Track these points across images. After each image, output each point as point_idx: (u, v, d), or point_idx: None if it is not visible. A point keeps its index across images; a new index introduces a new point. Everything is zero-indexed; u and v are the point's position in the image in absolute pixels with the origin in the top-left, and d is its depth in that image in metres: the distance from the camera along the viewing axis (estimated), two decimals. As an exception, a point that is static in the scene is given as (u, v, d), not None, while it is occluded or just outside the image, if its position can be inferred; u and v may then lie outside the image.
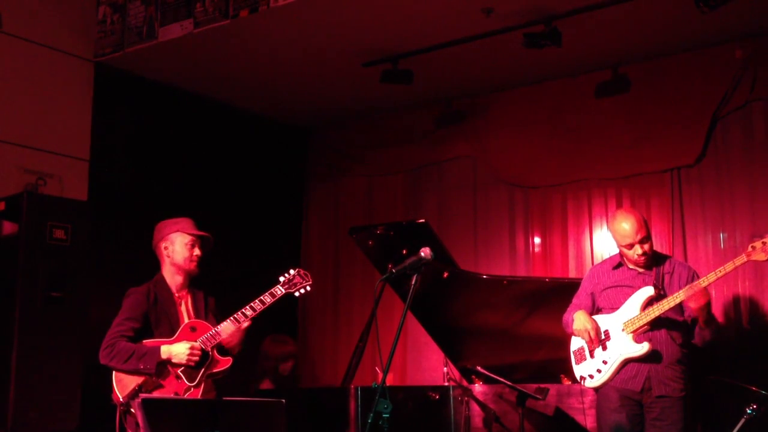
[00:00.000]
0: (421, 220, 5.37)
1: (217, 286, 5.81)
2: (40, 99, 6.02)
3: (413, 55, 6.17)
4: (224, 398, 3.48)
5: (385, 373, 3.40)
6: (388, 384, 3.31)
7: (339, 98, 7.19)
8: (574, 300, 4.67)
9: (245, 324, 4.13)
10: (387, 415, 3.29)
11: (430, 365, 6.88)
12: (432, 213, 7.16)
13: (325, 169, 7.92)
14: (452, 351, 5.62)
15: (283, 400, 3.66)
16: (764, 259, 4.07)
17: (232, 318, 4.13)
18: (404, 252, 5.15)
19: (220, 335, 4.12)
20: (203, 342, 4.09)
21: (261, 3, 5.56)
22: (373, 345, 5.09)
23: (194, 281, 4.36)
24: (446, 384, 5.12)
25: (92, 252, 5.35)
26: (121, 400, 3.89)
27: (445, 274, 5.33)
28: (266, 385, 5.91)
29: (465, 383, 5.39)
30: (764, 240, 4.07)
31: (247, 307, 4.16)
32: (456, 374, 5.58)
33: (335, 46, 6.11)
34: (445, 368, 5.40)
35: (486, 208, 7.09)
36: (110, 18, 6.28)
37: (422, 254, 3.50)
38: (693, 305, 4.17)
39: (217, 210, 7.06)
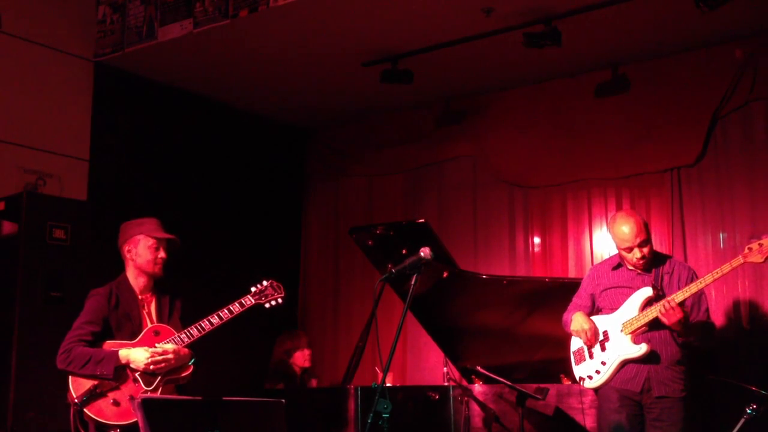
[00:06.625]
0: (421, 220, 5.37)
1: (216, 285, 5.84)
2: (40, 99, 6.03)
3: (413, 55, 6.17)
4: (224, 398, 3.46)
5: (385, 373, 3.40)
6: (387, 384, 3.31)
7: (339, 98, 7.19)
8: (574, 299, 4.67)
9: (185, 342, 4.07)
10: (387, 415, 3.29)
11: (430, 365, 6.89)
12: (432, 213, 7.16)
13: (325, 169, 7.92)
14: (452, 351, 5.62)
15: (283, 400, 3.65)
16: (761, 260, 4.05)
17: (175, 338, 4.06)
18: (404, 252, 5.14)
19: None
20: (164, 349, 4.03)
21: (261, 3, 5.56)
22: (373, 345, 5.08)
23: (162, 282, 4.27)
24: (446, 384, 5.12)
25: (92, 252, 5.35)
26: (75, 400, 3.86)
27: (445, 274, 5.33)
28: (279, 386, 5.90)
29: (465, 383, 5.40)
30: (761, 242, 4.05)
31: (214, 315, 4.10)
32: (456, 374, 5.58)
33: (335, 46, 6.11)
34: (445, 368, 5.40)
35: (486, 208, 7.09)
36: (110, 18, 6.28)
37: (422, 254, 3.50)
38: (665, 321, 4.17)
39: (217, 210, 7.08)
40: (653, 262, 4.43)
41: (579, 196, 6.65)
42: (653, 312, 4.23)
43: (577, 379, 4.54)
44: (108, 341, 4.02)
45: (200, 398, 3.41)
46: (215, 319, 4.10)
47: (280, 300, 4.30)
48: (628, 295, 4.39)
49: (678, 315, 4.12)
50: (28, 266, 5.06)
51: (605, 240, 6.35)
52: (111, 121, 6.41)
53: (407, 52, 6.16)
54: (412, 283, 3.52)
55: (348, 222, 7.23)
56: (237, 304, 4.18)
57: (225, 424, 3.36)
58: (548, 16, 5.53)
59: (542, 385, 4.68)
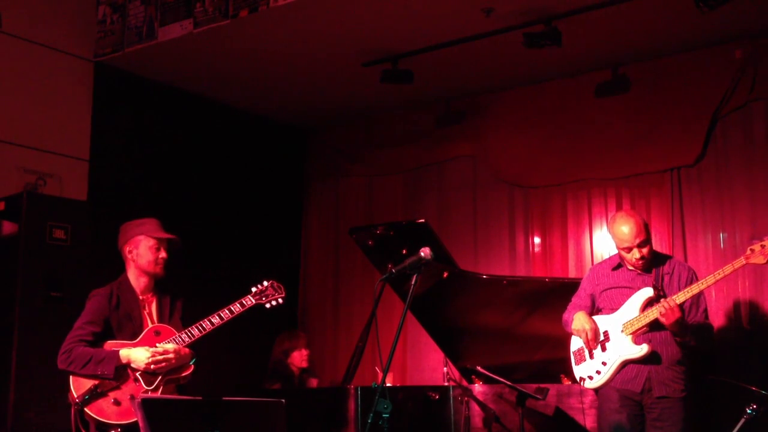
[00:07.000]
0: (421, 220, 5.37)
1: (216, 285, 5.84)
2: (40, 99, 6.02)
3: (413, 55, 6.17)
4: (224, 398, 3.46)
5: (385, 373, 3.40)
6: (387, 384, 3.30)
7: (339, 98, 7.19)
8: (574, 299, 4.67)
9: (186, 342, 4.08)
10: (387, 415, 3.29)
11: (430, 365, 6.88)
12: (432, 213, 7.16)
13: (325, 169, 7.92)
14: (452, 351, 5.62)
15: (283, 400, 3.65)
16: (763, 262, 4.04)
17: (176, 337, 4.07)
18: (404, 252, 5.14)
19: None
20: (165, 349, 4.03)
21: (261, 3, 5.56)
22: (373, 345, 5.08)
23: (162, 282, 4.28)
24: (446, 384, 5.12)
25: (92, 252, 5.35)
26: (76, 399, 3.86)
27: (445, 274, 5.33)
28: (276, 386, 5.90)
29: (465, 383, 5.40)
30: (763, 243, 4.04)
31: (215, 315, 4.11)
32: (456, 374, 5.58)
33: (335, 46, 6.11)
34: (445, 368, 5.40)
35: (486, 208, 7.09)
36: (110, 18, 6.28)
37: (422, 254, 3.50)
38: (664, 321, 4.17)
39: (217, 210, 7.07)
40: (653, 262, 4.42)
41: (579, 196, 6.65)
42: (654, 312, 4.23)
43: (578, 379, 4.53)
44: (109, 341, 4.03)
45: (200, 398, 3.41)
46: (216, 319, 4.12)
47: (280, 300, 4.32)
48: (628, 296, 4.38)
49: (676, 315, 4.12)
50: (28, 266, 5.06)
51: (605, 240, 6.35)
52: (111, 121, 6.41)
53: (407, 52, 6.16)
54: (412, 283, 3.52)
55: (348, 222, 7.23)
56: (237, 304, 4.19)
57: (225, 424, 3.36)
58: (548, 16, 5.53)
59: (542, 385, 4.67)
